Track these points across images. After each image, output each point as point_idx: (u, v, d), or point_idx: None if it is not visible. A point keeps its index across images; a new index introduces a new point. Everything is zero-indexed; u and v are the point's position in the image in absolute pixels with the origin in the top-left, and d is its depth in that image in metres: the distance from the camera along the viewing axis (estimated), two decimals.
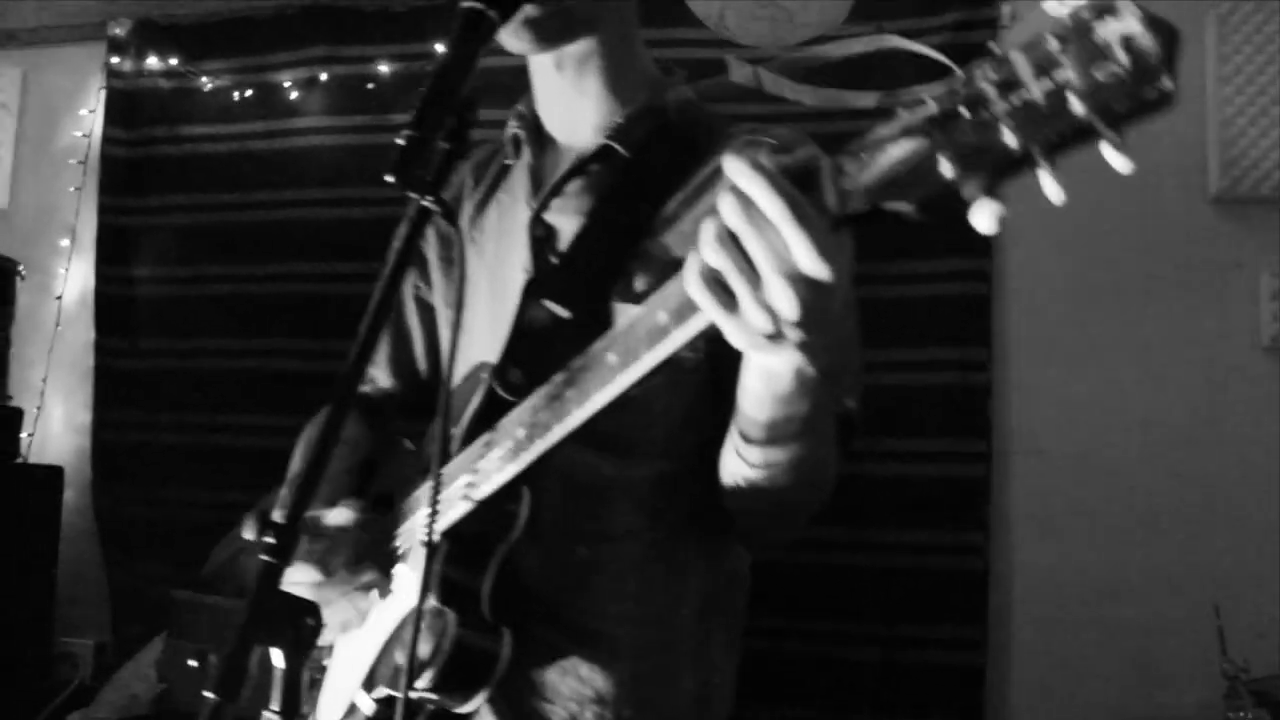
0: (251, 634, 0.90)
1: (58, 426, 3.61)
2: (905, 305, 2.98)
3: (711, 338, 0.91)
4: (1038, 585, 2.87)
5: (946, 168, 0.75)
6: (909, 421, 2.95)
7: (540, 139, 1.38)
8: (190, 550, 3.36)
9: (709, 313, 0.88)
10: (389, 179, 0.98)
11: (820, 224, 0.81)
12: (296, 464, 1.53)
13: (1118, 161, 0.74)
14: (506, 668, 1.15)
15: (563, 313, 1.21)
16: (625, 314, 1.09)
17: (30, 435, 3.45)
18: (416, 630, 1.00)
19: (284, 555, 0.91)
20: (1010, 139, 0.73)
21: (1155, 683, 2.74)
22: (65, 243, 3.64)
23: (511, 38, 1.21)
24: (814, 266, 0.82)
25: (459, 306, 0.99)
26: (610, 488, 1.17)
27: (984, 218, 0.78)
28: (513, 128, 1.40)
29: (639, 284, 1.20)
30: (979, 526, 2.87)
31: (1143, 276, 2.91)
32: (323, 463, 0.94)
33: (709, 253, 0.85)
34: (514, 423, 1.12)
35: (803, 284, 0.83)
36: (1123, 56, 0.68)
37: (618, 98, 1.32)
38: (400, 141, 0.99)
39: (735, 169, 0.82)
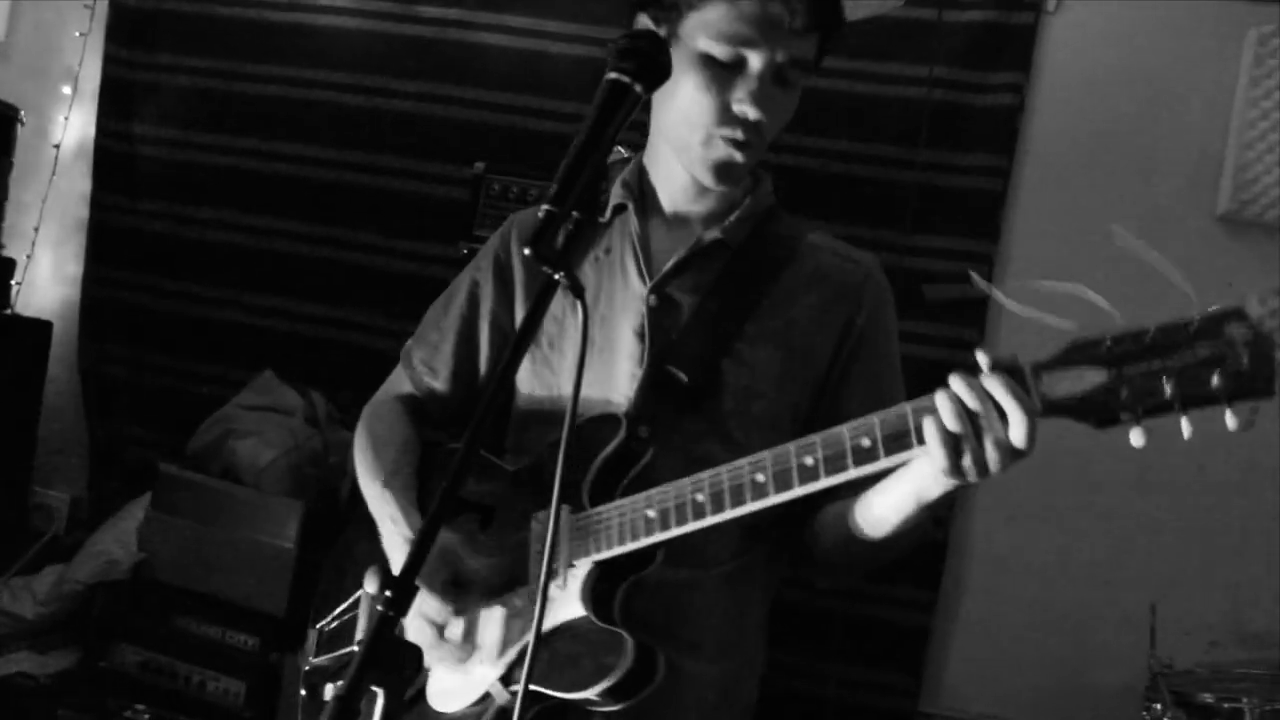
0: (363, 677, 0.96)
1: (46, 275, 3.59)
2: (908, 276, 3.05)
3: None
4: (991, 561, 3.04)
5: (1118, 400, 1.07)
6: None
7: (645, 209, 1.53)
8: (172, 417, 3.42)
9: (938, 458, 1.15)
10: (526, 252, 1.02)
11: (1033, 415, 1.13)
12: (374, 465, 1.57)
13: (1231, 423, 1.06)
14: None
15: (683, 378, 1.44)
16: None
17: (18, 284, 3.41)
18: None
19: (401, 609, 0.97)
20: (1168, 391, 1.05)
21: (1086, 664, 2.94)
22: (67, 90, 3.54)
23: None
24: (1024, 444, 1.15)
25: (580, 366, 1.05)
26: (712, 530, 1.31)
27: (1137, 438, 1.10)
28: (620, 197, 1.53)
29: (745, 363, 1.45)
30: (947, 503, 3.01)
31: (1135, 283, 2.99)
32: (436, 527, 1.00)
33: (950, 420, 1.15)
34: (676, 491, 1.30)
35: (1009, 453, 1.15)
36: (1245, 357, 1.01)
37: (728, 196, 1.52)
38: (540, 215, 1.02)
39: (986, 366, 1.17)
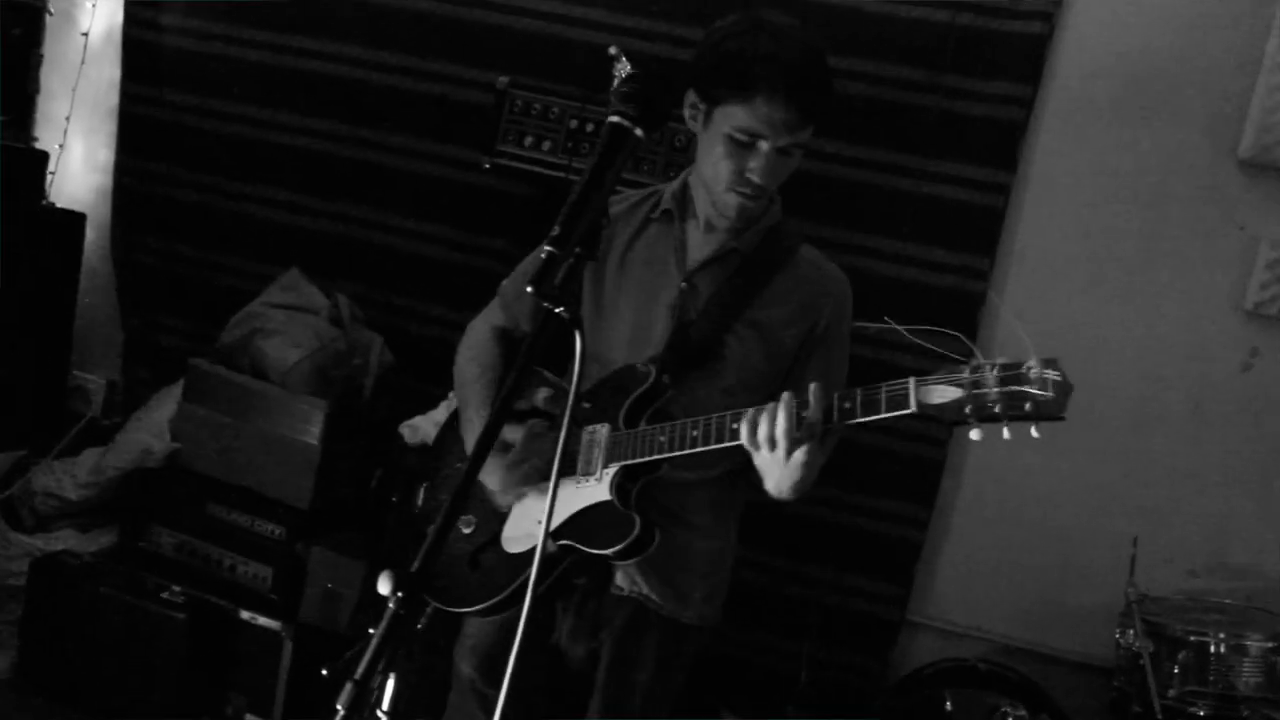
0: (376, 664, 1.09)
1: (79, 165, 3.66)
2: (923, 202, 3.09)
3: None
4: (984, 481, 3.16)
5: (963, 413, 1.53)
6: (901, 314, 3.11)
7: (684, 216, 1.99)
8: (202, 308, 3.54)
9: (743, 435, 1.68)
10: (528, 290, 1.10)
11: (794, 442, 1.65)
12: (469, 389, 2.06)
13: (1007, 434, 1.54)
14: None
15: (696, 342, 1.94)
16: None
17: (52, 173, 3.49)
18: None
19: (414, 609, 1.09)
20: (997, 410, 1.51)
21: (1069, 585, 3.10)
22: None
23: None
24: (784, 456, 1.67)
25: (577, 380, 1.21)
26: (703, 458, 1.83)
27: (975, 434, 1.54)
28: (668, 204, 2.00)
29: (741, 339, 1.94)
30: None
31: (1150, 219, 3.03)
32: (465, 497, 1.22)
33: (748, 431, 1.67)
34: (680, 426, 1.80)
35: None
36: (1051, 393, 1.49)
37: (748, 213, 1.93)
38: (543, 256, 1.10)
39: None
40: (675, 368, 1.91)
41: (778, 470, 1.67)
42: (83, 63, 3.57)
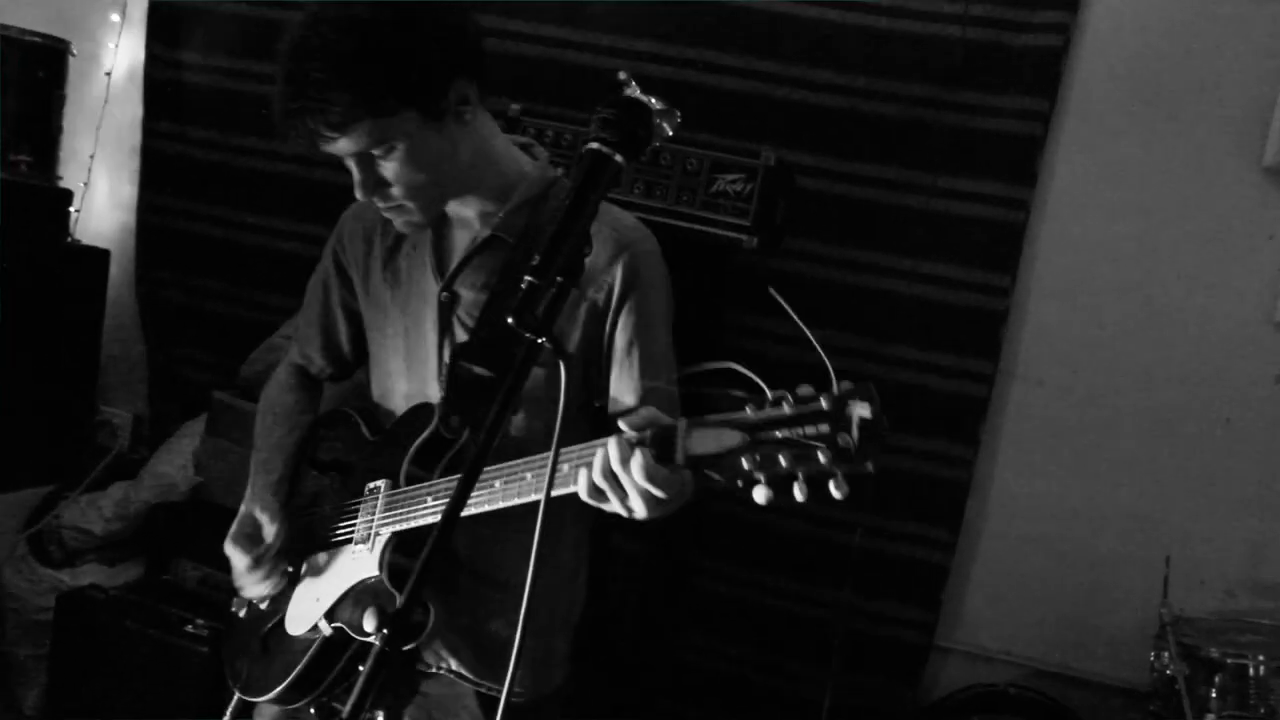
0: (363, 703, 1.08)
1: (103, 202, 3.71)
2: (941, 220, 3.05)
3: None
4: (1012, 503, 3.10)
5: (741, 468, 1.16)
6: (924, 334, 3.09)
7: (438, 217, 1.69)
8: (225, 341, 3.57)
9: (592, 502, 1.35)
10: (509, 320, 1.08)
11: (660, 473, 1.28)
12: (261, 437, 1.92)
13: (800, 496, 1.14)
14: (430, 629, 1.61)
15: (485, 373, 1.62)
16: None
17: (77, 211, 3.54)
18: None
19: (399, 646, 1.08)
20: (783, 464, 1.14)
21: (1101, 608, 3.02)
22: (116, 18, 3.60)
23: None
24: (642, 514, 1.34)
25: (560, 423, 1.15)
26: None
27: (759, 496, 1.16)
28: None
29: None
30: (971, 442, 3.07)
31: (1175, 231, 2.97)
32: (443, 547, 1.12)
33: (599, 478, 1.32)
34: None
35: (651, 499, 1.31)
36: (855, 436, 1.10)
37: (495, 194, 1.66)
38: (523, 286, 1.08)
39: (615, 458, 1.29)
40: (462, 403, 1.62)
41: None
42: (106, 102, 3.63)
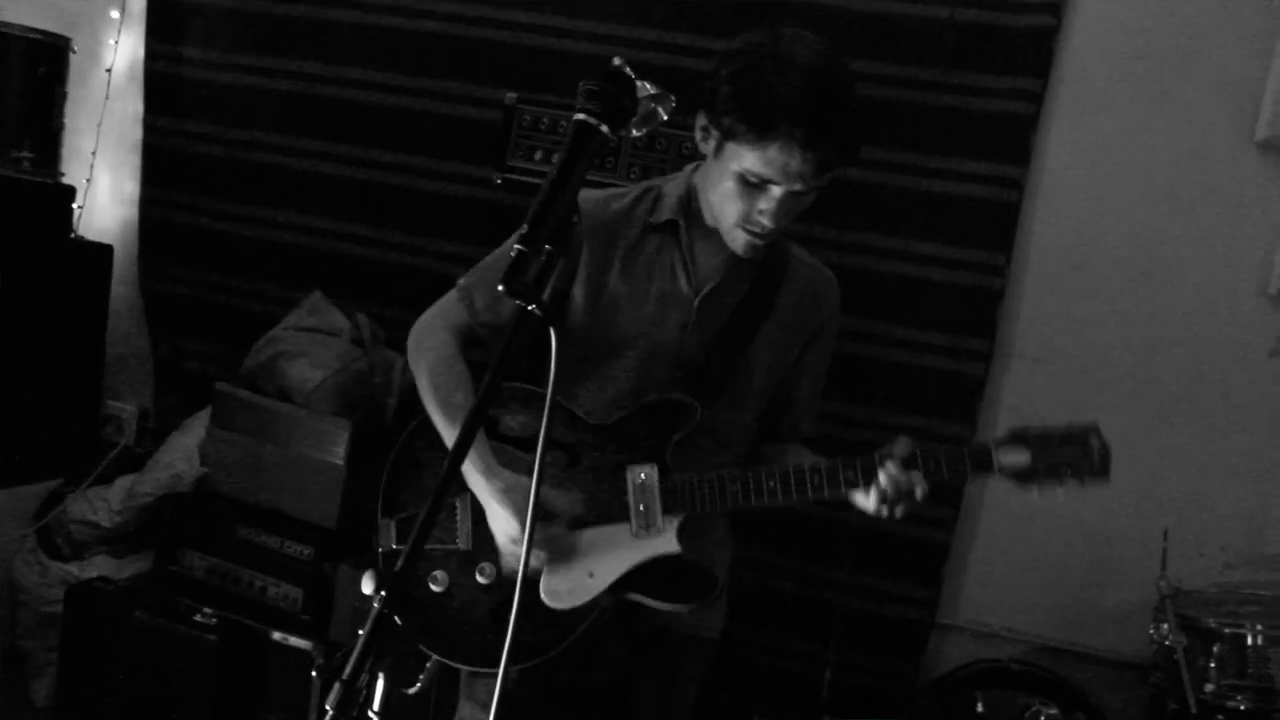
0: (363, 664, 1.10)
1: (106, 198, 3.73)
2: (936, 200, 3.07)
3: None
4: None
5: (1036, 474, 1.79)
6: (920, 313, 3.11)
7: (690, 225, 1.87)
8: (228, 333, 3.60)
9: (870, 504, 1.79)
10: (499, 288, 1.11)
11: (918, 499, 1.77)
12: (448, 408, 1.88)
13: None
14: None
15: (724, 369, 1.89)
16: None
17: (80, 208, 3.57)
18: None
19: (396, 608, 1.10)
20: (1064, 473, 1.79)
21: (1102, 582, 3.04)
22: (115, 14, 3.63)
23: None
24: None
25: (551, 384, 1.19)
26: None
27: (1035, 495, 1.79)
28: (672, 213, 1.87)
29: (759, 354, 1.91)
30: (969, 420, 3.09)
31: (1168, 206, 2.99)
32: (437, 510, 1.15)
33: (888, 485, 1.75)
34: (753, 474, 1.82)
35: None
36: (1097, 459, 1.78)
37: None
38: (512, 254, 1.11)
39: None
40: (706, 395, 1.87)
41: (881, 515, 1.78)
42: (107, 98, 3.65)
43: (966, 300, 3.07)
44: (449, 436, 1.86)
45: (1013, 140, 3.02)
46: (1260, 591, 2.84)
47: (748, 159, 1.68)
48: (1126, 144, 2.99)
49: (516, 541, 1.80)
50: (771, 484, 1.79)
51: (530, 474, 1.72)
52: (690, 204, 1.89)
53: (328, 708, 1.09)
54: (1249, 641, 2.57)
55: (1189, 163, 2.96)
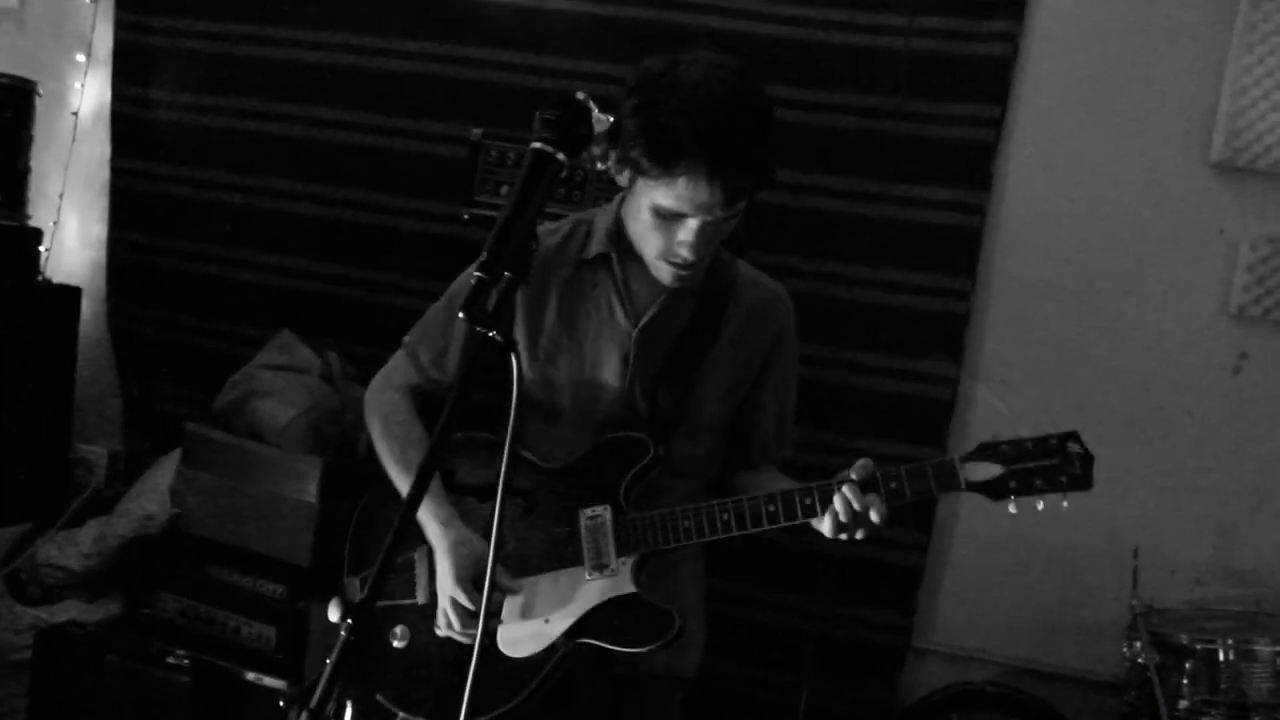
0: (330, 692, 1.10)
1: (74, 240, 3.72)
2: (900, 227, 3.11)
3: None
4: (980, 503, 3.11)
5: (1008, 487, 1.73)
6: (886, 339, 3.14)
7: (623, 257, 1.85)
8: (198, 374, 3.58)
9: (826, 530, 1.73)
10: (460, 315, 1.12)
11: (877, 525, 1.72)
12: (404, 467, 1.89)
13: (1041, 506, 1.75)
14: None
15: (670, 405, 1.85)
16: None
17: (47, 250, 3.56)
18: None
19: (363, 636, 1.11)
20: (1037, 484, 1.73)
21: (1074, 602, 3.07)
22: (81, 58, 3.63)
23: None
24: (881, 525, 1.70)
25: (512, 413, 1.18)
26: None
27: (1012, 508, 1.74)
28: (603, 246, 1.86)
29: (709, 383, 1.87)
30: (938, 444, 3.11)
31: (1129, 229, 3.04)
32: (395, 552, 1.14)
33: (841, 509, 1.69)
34: (706, 509, 1.77)
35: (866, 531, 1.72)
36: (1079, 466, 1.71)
37: None
38: (471, 281, 1.12)
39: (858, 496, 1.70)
40: (659, 429, 1.83)
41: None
42: (74, 141, 3.65)
43: (932, 325, 3.10)
44: (406, 491, 1.84)
45: (973, 166, 3.07)
46: (1230, 607, 2.87)
47: (657, 193, 1.66)
48: (1085, 167, 3.05)
49: (446, 594, 1.77)
50: (725, 517, 1.74)
51: (485, 525, 1.80)
52: (621, 235, 1.86)
53: None
54: (1221, 657, 2.59)
55: (1147, 185, 3.02)
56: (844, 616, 3.14)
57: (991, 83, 3.04)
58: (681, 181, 1.62)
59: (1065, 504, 1.66)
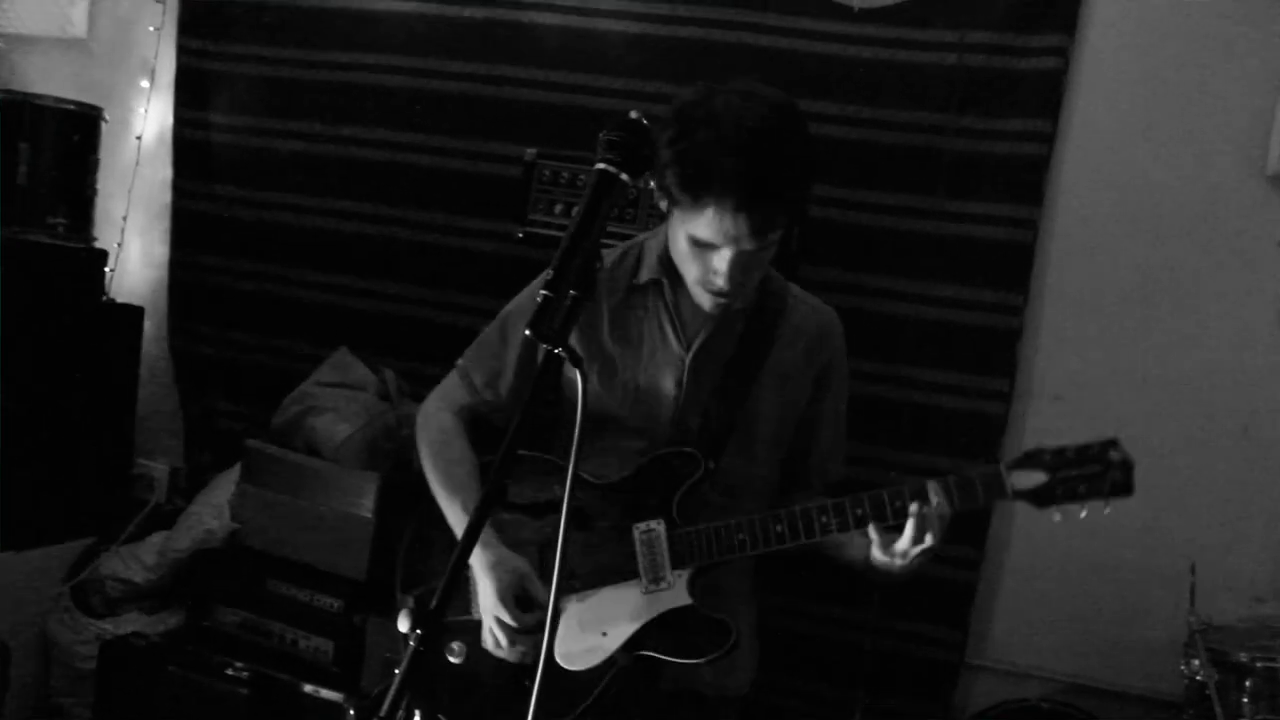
0: (399, 702, 1.13)
1: (136, 261, 3.83)
2: (952, 242, 3.11)
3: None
4: (1034, 519, 3.08)
5: (1054, 495, 1.73)
6: (939, 354, 3.13)
7: (674, 282, 1.87)
8: (257, 392, 3.65)
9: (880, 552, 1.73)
10: (527, 332, 1.15)
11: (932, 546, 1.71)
12: (450, 484, 1.91)
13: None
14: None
15: (726, 421, 1.88)
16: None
17: (111, 270, 3.65)
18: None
19: (433, 647, 1.14)
20: (1081, 490, 1.73)
21: (1130, 620, 3.02)
22: (145, 84, 3.74)
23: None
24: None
25: (579, 427, 1.23)
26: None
27: (1056, 516, 1.73)
28: (655, 273, 1.89)
29: (761, 401, 1.89)
30: (991, 459, 3.10)
31: (1184, 242, 3.01)
32: (463, 564, 1.16)
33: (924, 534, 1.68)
34: (760, 520, 1.79)
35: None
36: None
37: None
38: (538, 300, 1.15)
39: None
40: (709, 448, 1.86)
41: (899, 564, 1.70)
42: (137, 164, 3.76)
43: (985, 340, 3.10)
44: (450, 511, 1.88)
45: (1026, 181, 3.06)
46: None
47: (690, 223, 1.69)
48: (1138, 180, 3.03)
49: (487, 613, 1.78)
50: (779, 528, 1.75)
51: (537, 542, 1.84)
52: (671, 261, 1.87)
53: None
54: None
55: (1201, 197, 2.99)
56: (898, 631, 3.13)
57: (1043, 97, 3.04)
58: (710, 213, 1.65)
59: (1108, 510, 1.67)
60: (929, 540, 1.67)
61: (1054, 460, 1.69)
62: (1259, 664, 2.56)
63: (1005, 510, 3.12)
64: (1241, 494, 2.97)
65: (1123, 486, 1.68)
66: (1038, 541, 3.12)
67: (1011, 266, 3.08)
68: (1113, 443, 1.70)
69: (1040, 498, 1.69)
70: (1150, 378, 3.02)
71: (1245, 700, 2.56)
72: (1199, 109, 2.99)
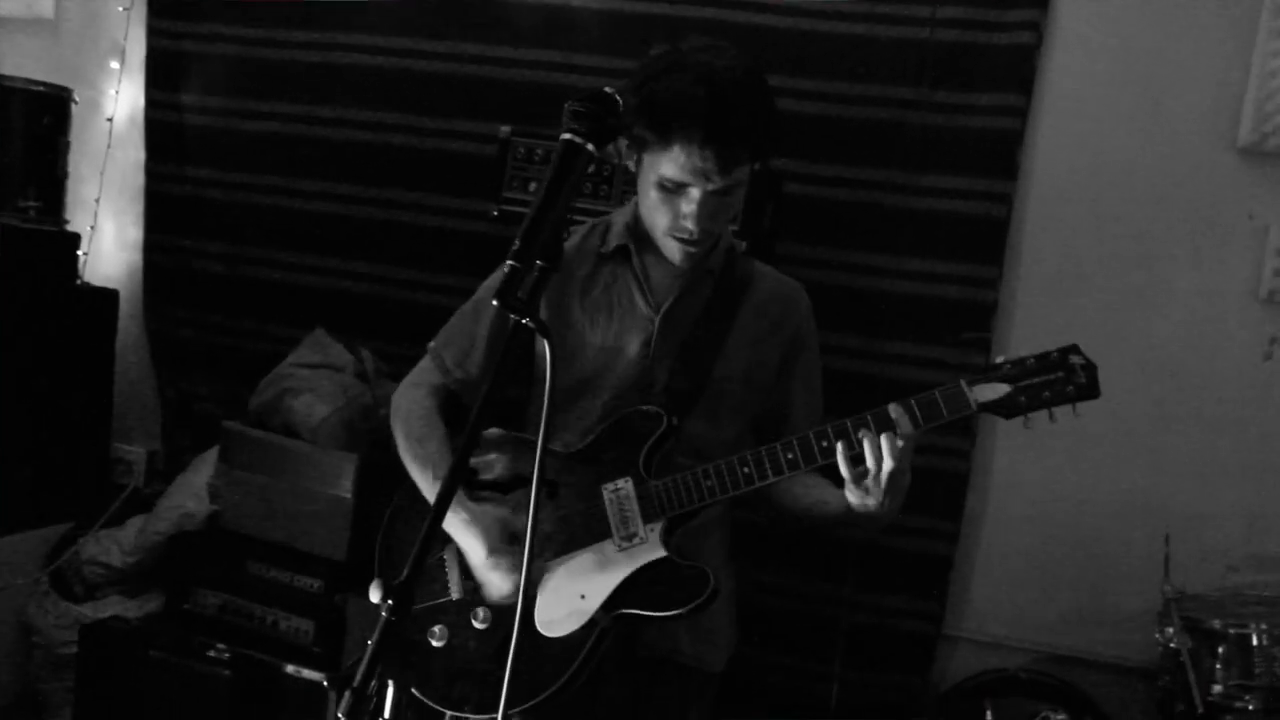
0: (372, 672, 1.14)
1: (110, 244, 3.80)
2: (926, 217, 3.12)
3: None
4: (1012, 490, 3.15)
5: (1018, 403, 1.69)
6: (914, 328, 3.15)
7: (641, 248, 1.91)
8: (234, 374, 3.64)
9: (852, 487, 1.70)
10: (494, 303, 1.15)
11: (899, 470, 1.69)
12: (421, 457, 1.91)
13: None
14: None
15: (691, 382, 1.89)
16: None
17: (85, 254, 3.63)
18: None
19: (402, 616, 1.14)
20: (1046, 396, 1.71)
21: (1106, 589, 3.06)
22: (115, 65, 3.70)
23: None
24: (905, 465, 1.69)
25: (549, 396, 1.22)
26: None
27: (1024, 424, 1.71)
28: (622, 239, 1.92)
29: (730, 364, 1.90)
30: (968, 433, 3.12)
31: (1156, 215, 3.03)
32: (435, 532, 1.17)
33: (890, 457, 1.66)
34: (727, 465, 1.78)
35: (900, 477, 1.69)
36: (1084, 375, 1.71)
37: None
38: (504, 270, 1.15)
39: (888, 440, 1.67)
40: (676, 408, 1.86)
41: (874, 502, 1.69)
42: (109, 147, 3.73)
43: (961, 314, 3.11)
44: (423, 483, 1.89)
45: (999, 155, 3.07)
46: (1264, 593, 2.86)
47: (659, 164, 1.73)
48: (1112, 154, 3.04)
49: (486, 564, 1.80)
50: (746, 470, 1.75)
51: (505, 510, 1.83)
52: (638, 227, 1.92)
53: (340, 715, 1.12)
54: (1254, 642, 2.58)
55: (1174, 171, 3.01)
56: (875, 605, 3.15)
57: (1016, 72, 3.05)
58: (677, 149, 1.69)
59: (1077, 415, 1.66)
60: (891, 462, 1.65)
61: (1014, 370, 1.68)
62: (1232, 631, 2.60)
63: (980, 479, 3.15)
64: (1215, 464, 3.00)
65: (1088, 389, 1.67)
66: (1013, 514, 3.15)
67: (985, 240, 3.10)
68: (1073, 348, 1.69)
69: (1006, 408, 1.67)
70: (1125, 350, 3.04)
71: (1218, 667, 2.60)
72: (1171, 83, 3.00)
